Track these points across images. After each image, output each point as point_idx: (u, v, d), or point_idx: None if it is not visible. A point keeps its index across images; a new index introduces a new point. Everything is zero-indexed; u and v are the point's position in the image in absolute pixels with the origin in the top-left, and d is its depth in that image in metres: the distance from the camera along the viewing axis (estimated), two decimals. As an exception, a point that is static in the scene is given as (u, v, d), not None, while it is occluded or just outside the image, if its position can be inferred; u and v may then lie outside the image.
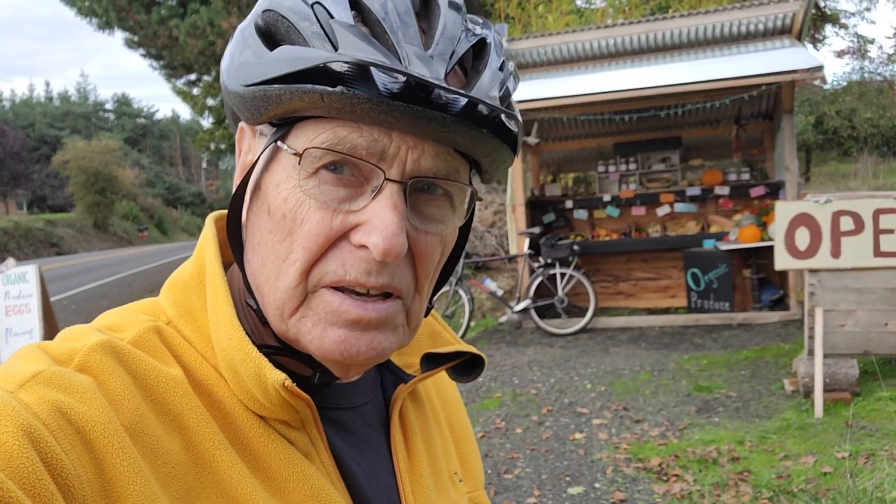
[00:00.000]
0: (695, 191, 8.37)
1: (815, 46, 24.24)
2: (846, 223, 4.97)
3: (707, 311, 7.89)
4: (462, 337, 7.49)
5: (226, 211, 0.63)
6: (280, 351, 0.61)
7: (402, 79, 0.51)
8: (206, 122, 18.37)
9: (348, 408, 0.67)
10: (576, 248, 7.89)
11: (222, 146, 16.83)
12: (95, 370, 0.53)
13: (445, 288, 7.86)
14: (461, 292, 7.65)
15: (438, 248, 0.59)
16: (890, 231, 4.88)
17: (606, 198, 8.72)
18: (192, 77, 17.25)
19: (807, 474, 3.88)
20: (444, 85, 0.51)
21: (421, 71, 0.52)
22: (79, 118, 67.75)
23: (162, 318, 0.62)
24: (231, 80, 0.58)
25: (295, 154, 0.56)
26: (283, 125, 0.57)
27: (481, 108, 0.54)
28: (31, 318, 6.58)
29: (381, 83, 0.51)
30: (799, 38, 7.63)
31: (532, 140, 8.28)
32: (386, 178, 0.54)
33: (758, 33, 7.81)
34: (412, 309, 0.60)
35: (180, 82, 17.88)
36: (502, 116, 0.56)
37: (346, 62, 0.51)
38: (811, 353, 4.99)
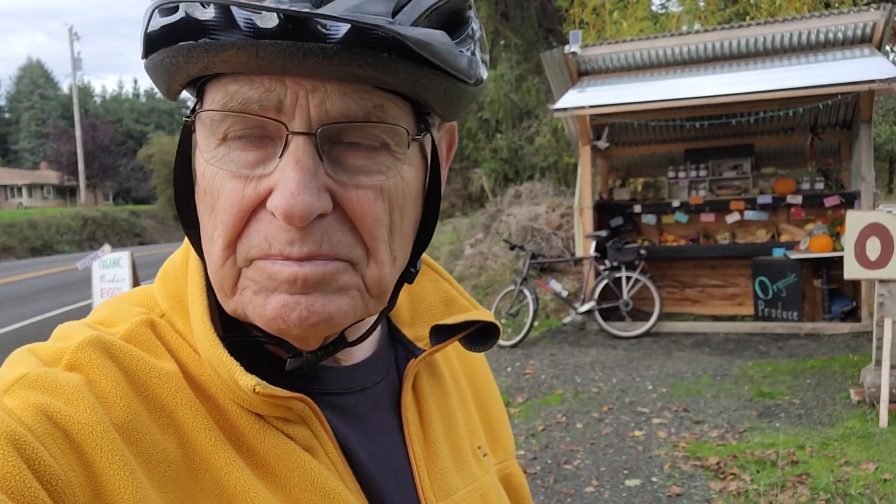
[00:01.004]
0: (766, 199, 8.31)
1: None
2: (920, 234, 4.94)
3: (774, 320, 7.84)
4: (525, 336, 7.68)
5: None
6: (258, 338, 0.59)
7: (263, 13, 0.46)
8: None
9: (355, 391, 0.63)
10: (642, 252, 7.97)
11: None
12: (85, 368, 0.51)
13: (510, 287, 8.07)
14: (526, 292, 7.84)
15: (380, 203, 0.53)
16: (965, 244, 4.83)
17: (675, 203, 8.74)
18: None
19: (866, 480, 3.93)
20: (307, 10, 0.46)
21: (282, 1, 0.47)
22: (163, 114, 70.82)
23: (156, 311, 0.60)
24: (142, 59, 0.54)
25: (188, 120, 0.54)
26: (198, 95, 0.54)
27: (369, 30, 0.46)
28: (124, 300, 7.10)
29: (243, 23, 0.46)
30: (879, 47, 7.50)
31: (602, 144, 8.40)
32: (289, 132, 0.50)
33: (836, 42, 7.71)
34: (368, 275, 0.54)
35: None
36: (410, 35, 0.48)
37: (196, 8, 0.47)
38: (878, 363, 4.97)
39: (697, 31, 8.18)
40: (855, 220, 5.09)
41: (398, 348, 0.70)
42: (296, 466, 0.55)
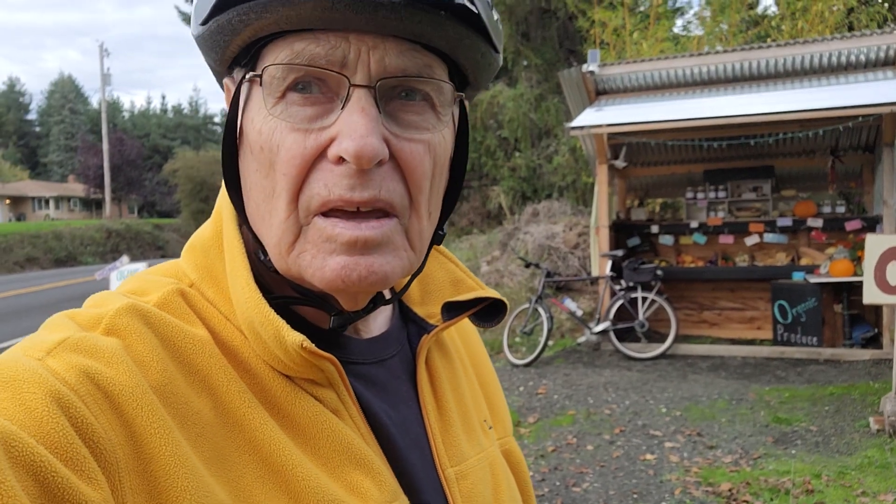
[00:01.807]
0: (786, 221, 8.20)
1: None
2: (941, 259, 4.84)
3: (793, 345, 7.69)
4: (539, 355, 7.61)
5: None
6: (299, 300, 0.62)
7: None
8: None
9: (375, 362, 0.66)
10: (659, 272, 7.88)
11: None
12: (122, 333, 0.54)
13: (525, 305, 8.02)
14: (541, 310, 7.78)
15: (427, 158, 0.57)
16: None
17: (693, 224, 8.65)
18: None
19: (883, 511, 3.82)
20: None
21: None
22: (189, 130, 71.91)
23: (185, 281, 0.62)
24: (194, 28, 0.58)
25: (255, 76, 0.55)
26: (250, 61, 0.57)
27: None
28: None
29: None
30: (903, 69, 7.41)
31: (619, 163, 8.35)
32: (351, 85, 0.53)
33: (859, 64, 7.62)
34: (411, 228, 0.58)
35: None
36: None
37: None
38: (898, 391, 4.85)
39: (717, 52, 8.12)
40: (874, 244, 5.00)
41: (410, 326, 0.73)
42: (325, 427, 0.57)
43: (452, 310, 0.73)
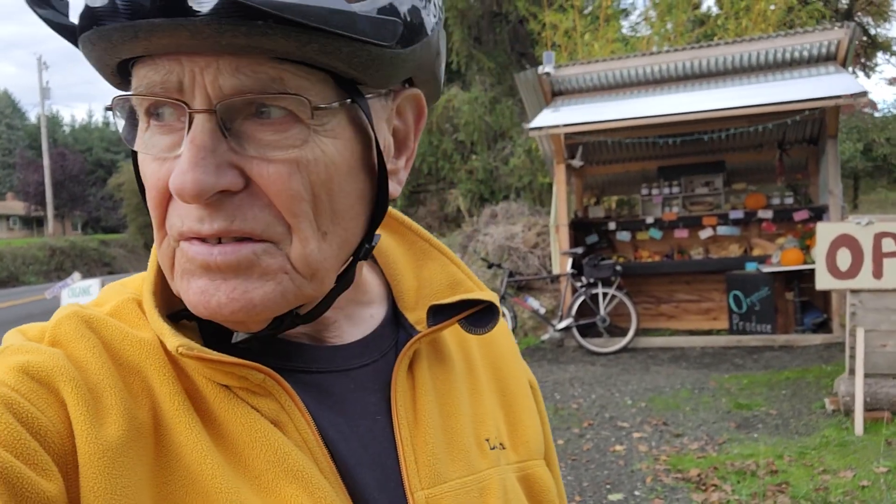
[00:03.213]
0: (738, 214, 8.46)
1: (865, 74, 23.97)
2: (888, 245, 5.04)
3: (749, 333, 7.93)
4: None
5: None
6: (189, 313, 0.58)
7: None
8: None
9: (333, 371, 0.62)
10: (618, 268, 8.04)
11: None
12: (63, 341, 0.54)
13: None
14: (504, 310, 7.83)
15: (296, 177, 0.51)
16: (932, 253, 4.94)
17: (649, 220, 8.85)
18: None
19: (845, 487, 3.96)
20: None
21: None
22: (134, 142, 70.06)
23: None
24: None
25: (109, 109, 0.54)
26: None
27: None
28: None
29: (121, 6, 0.47)
30: (843, 64, 7.71)
31: (576, 163, 8.49)
32: (189, 110, 0.50)
33: (802, 60, 7.92)
34: (293, 253, 0.53)
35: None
36: (275, 0, 0.45)
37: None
38: (852, 372, 5.04)
39: (668, 51, 8.34)
40: (825, 232, 5.18)
41: (400, 333, 0.68)
42: (258, 438, 0.54)
43: (441, 314, 0.67)
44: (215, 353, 0.53)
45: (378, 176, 0.58)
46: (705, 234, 8.69)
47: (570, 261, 8.22)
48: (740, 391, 6.10)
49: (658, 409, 5.77)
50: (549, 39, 13.07)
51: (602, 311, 7.96)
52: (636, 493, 4.20)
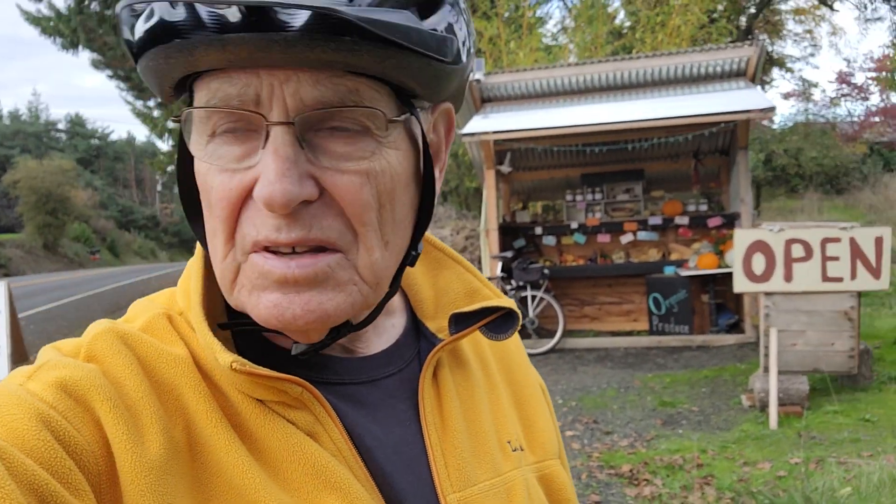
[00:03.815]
0: (656, 220, 8.85)
1: (763, 88, 25.48)
2: (797, 250, 5.40)
3: (668, 334, 8.32)
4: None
5: None
6: (261, 328, 0.59)
7: (225, 8, 0.47)
8: (167, 144, 18.41)
9: (367, 381, 0.64)
10: (546, 272, 8.27)
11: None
12: (99, 357, 0.55)
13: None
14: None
15: (367, 188, 0.54)
16: (835, 258, 5.33)
17: (574, 225, 9.14)
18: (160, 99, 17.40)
19: (764, 478, 4.23)
20: (268, 1, 0.46)
21: None
22: (29, 137, 66.16)
23: (175, 308, 0.63)
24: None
25: (176, 121, 0.55)
26: (189, 93, 0.55)
27: (327, 15, 0.47)
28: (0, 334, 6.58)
29: (208, 20, 0.47)
30: (753, 80, 8.21)
31: (505, 169, 8.67)
32: (267, 123, 0.51)
33: (715, 75, 8.38)
34: (360, 262, 0.55)
35: (145, 104, 17.95)
36: (367, 17, 0.48)
37: (172, 6, 0.48)
38: (766, 369, 5.37)
39: (592, 63, 8.65)
40: (742, 238, 5.51)
41: (422, 341, 0.70)
42: (295, 451, 0.55)
43: (462, 321, 0.69)
44: (264, 369, 0.54)
45: (423, 185, 0.61)
46: (626, 238, 9.06)
47: (499, 265, 8.38)
48: (664, 389, 6.40)
49: (588, 407, 5.98)
50: (474, 46, 13.25)
51: (531, 314, 8.16)
52: (573, 489, 4.35)
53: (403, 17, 0.50)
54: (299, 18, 0.47)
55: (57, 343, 0.58)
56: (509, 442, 0.71)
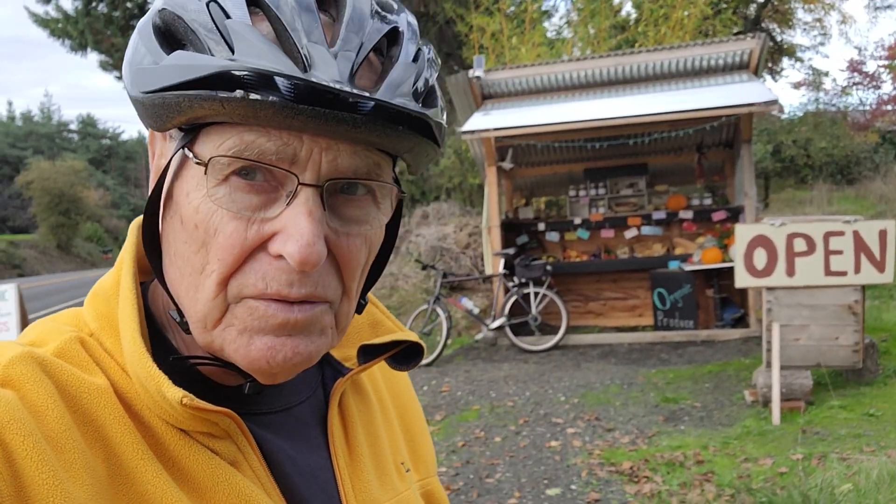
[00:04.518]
0: (660, 215, 8.80)
1: (772, 78, 25.26)
2: (799, 244, 5.36)
3: (672, 329, 8.28)
4: (439, 354, 7.75)
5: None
6: (208, 362, 0.60)
7: (302, 82, 0.49)
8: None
9: (280, 410, 0.66)
10: (548, 268, 8.24)
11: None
12: (16, 383, 0.52)
13: (424, 306, 8.14)
14: (438, 311, 7.92)
15: (363, 250, 0.58)
16: (839, 252, 5.29)
17: (577, 221, 9.11)
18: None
19: (765, 474, 4.21)
20: (348, 90, 0.50)
21: (325, 72, 0.50)
22: (42, 138, 66.71)
23: (84, 330, 0.61)
24: (131, 86, 0.55)
25: (199, 164, 0.53)
26: (191, 130, 0.54)
27: (392, 108, 0.52)
28: (10, 336, 6.64)
29: (283, 87, 0.49)
30: (756, 73, 8.14)
31: (507, 165, 8.65)
32: (300, 183, 0.53)
33: (718, 68, 8.32)
34: (340, 311, 0.59)
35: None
36: (423, 112, 0.54)
37: (241, 70, 0.49)
38: (769, 365, 5.35)
39: (593, 58, 8.61)
40: (743, 233, 5.47)
41: (325, 369, 0.73)
42: (221, 481, 0.57)
43: (369, 353, 0.73)
44: (208, 404, 0.56)
45: (386, 239, 0.66)
46: (630, 233, 9.02)
47: (502, 261, 8.37)
48: (667, 385, 6.38)
49: (590, 404, 5.97)
50: (477, 42, 13.23)
51: (534, 311, 8.15)
52: (573, 487, 4.35)
53: (439, 113, 0.57)
54: (369, 104, 0.51)
55: None
56: (402, 463, 0.77)
